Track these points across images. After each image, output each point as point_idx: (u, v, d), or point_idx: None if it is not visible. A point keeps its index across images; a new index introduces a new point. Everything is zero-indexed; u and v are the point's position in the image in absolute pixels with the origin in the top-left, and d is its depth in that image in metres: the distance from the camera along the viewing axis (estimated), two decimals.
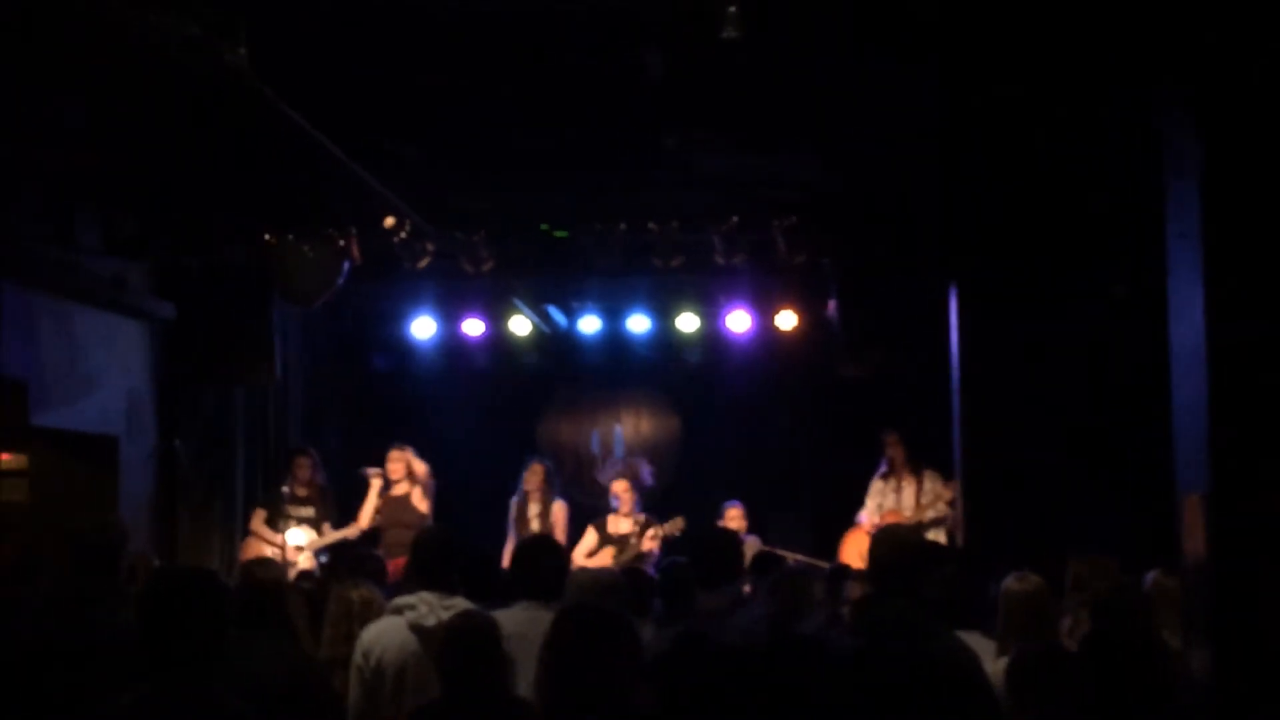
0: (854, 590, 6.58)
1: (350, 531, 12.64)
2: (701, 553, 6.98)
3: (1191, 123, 6.55)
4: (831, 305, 12.46)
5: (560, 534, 12.99)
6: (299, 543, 12.40)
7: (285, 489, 12.56)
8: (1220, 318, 6.30)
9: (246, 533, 12.68)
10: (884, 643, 5.14)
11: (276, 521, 12.46)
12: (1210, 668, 6.38)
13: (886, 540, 6.08)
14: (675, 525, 12.68)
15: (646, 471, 13.34)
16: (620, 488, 13.11)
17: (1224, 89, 6.51)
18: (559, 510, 13.29)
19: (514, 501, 13.37)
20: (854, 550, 12.86)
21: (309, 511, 12.70)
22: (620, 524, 12.93)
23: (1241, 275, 6.31)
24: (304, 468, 12.85)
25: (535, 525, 13.08)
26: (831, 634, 5.57)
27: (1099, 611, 6.59)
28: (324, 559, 12.17)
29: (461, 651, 5.38)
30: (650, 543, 12.53)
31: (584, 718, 4.19)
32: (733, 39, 6.95)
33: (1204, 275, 6.33)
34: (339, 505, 13.30)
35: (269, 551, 11.96)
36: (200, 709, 4.47)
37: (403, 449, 13.30)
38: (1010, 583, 6.74)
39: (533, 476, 13.35)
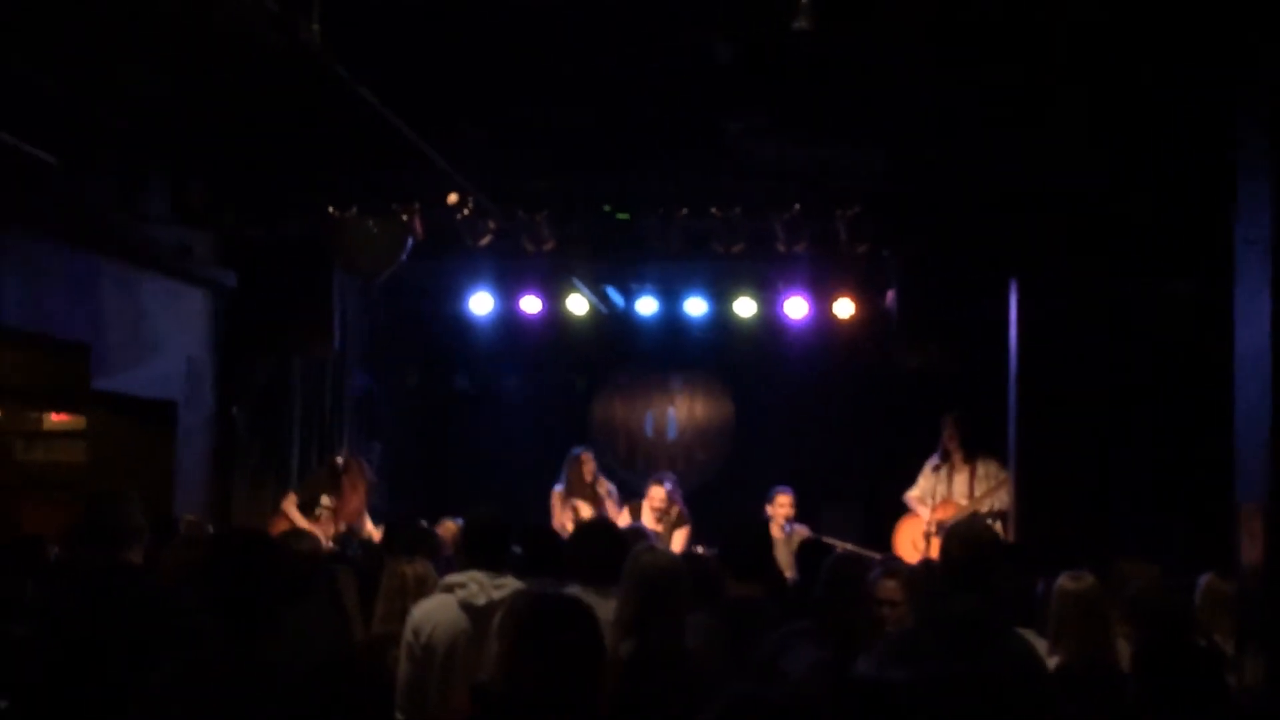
0: (886, 589, 6.52)
1: (375, 532, 12.27)
2: (729, 542, 6.97)
3: (1265, 129, 6.50)
4: (891, 295, 12.43)
5: (614, 515, 13.07)
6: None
7: (326, 476, 12.53)
8: None
9: (276, 509, 12.54)
10: (941, 666, 5.10)
11: (311, 507, 12.31)
12: (1265, 676, 6.35)
13: (959, 536, 6.04)
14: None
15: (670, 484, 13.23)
16: (656, 494, 12.96)
17: None
18: (604, 487, 13.32)
19: (557, 491, 13.37)
20: (906, 539, 12.84)
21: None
22: (656, 521, 12.86)
23: None
24: (357, 475, 12.60)
25: (586, 513, 13.11)
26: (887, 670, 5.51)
27: (1137, 617, 6.53)
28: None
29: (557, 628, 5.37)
30: (679, 546, 12.49)
31: (545, 703, 4.20)
32: (804, 30, 6.93)
33: (1272, 283, 6.28)
34: (386, 481, 13.32)
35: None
36: (255, 674, 4.53)
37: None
38: (1065, 581, 6.70)
39: (586, 465, 13.35)
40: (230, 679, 4.51)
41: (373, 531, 12.10)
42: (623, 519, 12.87)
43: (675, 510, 12.85)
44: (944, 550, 6.04)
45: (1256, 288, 6.47)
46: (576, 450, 13.55)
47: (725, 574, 6.74)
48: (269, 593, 4.63)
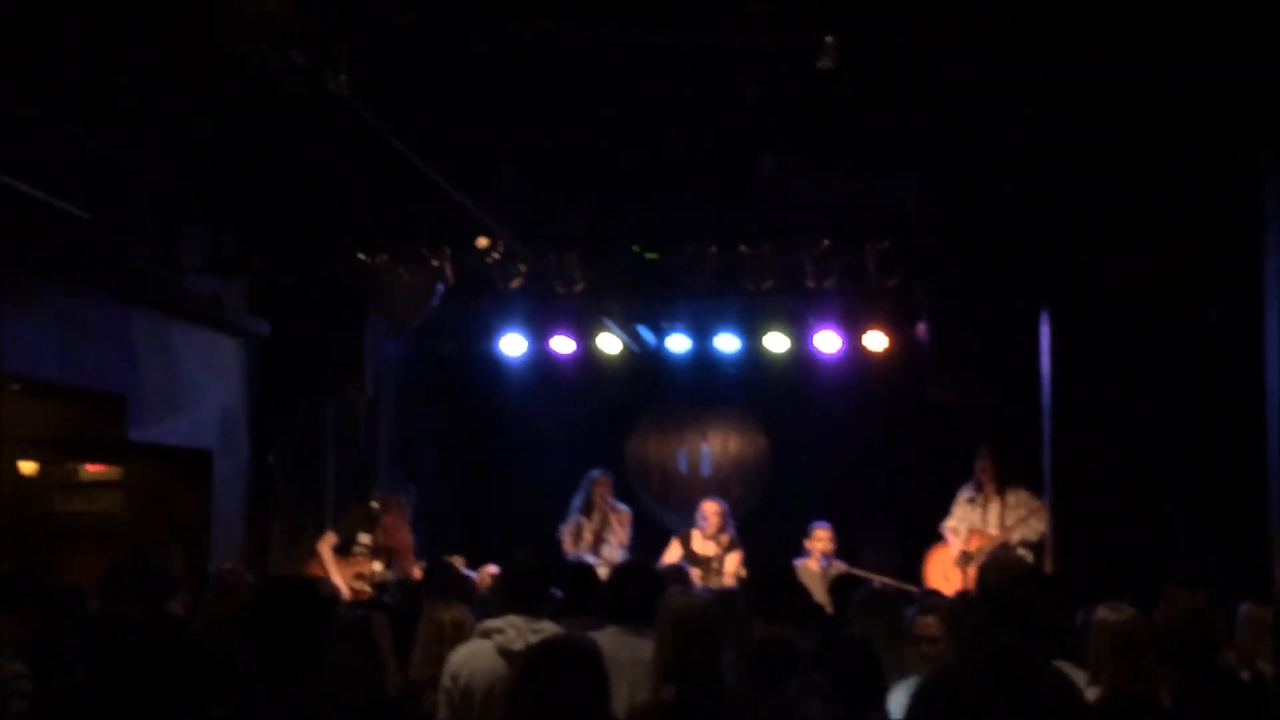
0: (925, 625, 6.50)
1: (415, 571, 12.19)
2: (754, 582, 6.99)
3: None
4: (922, 328, 12.42)
5: (623, 535, 13.21)
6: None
7: (364, 514, 12.49)
8: None
9: (313, 552, 12.52)
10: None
11: (349, 547, 12.31)
12: None
13: (996, 568, 6.01)
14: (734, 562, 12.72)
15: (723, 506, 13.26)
16: (711, 509, 13.04)
17: None
18: (622, 515, 13.36)
19: (571, 522, 13.44)
20: (939, 570, 12.80)
21: (381, 539, 12.52)
22: (706, 545, 12.90)
23: None
24: (396, 513, 12.63)
25: (588, 535, 13.16)
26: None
27: (1162, 648, 6.46)
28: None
29: (562, 670, 5.37)
30: (734, 568, 12.51)
31: None
32: (828, 69, 6.96)
33: None
34: (423, 523, 13.36)
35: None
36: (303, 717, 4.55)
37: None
38: (1104, 613, 6.65)
39: (600, 487, 13.40)
40: None
41: (416, 570, 12.13)
42: (673, 550, 12.90)
43: (727, 536, 12.87)
44: (980, 582, 6.00)
45: None
46: (594, 472, 13.60)
47: (752, 614, 6.76)
48: (312, 640, 4.66)
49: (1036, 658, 5.44)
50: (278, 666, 4.58)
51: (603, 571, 11.69)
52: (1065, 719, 5.01)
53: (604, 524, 13.29)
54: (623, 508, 13.54)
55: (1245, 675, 6.98)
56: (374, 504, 12.45)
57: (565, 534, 13.42)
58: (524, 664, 4.45)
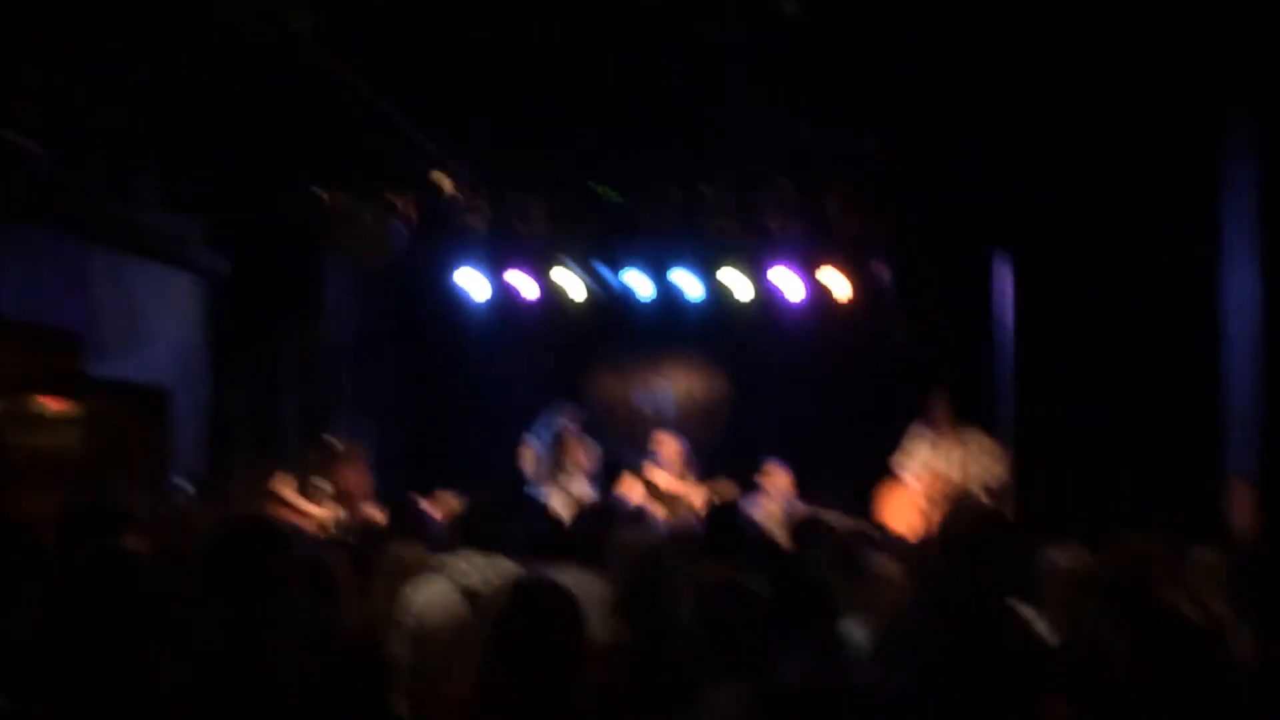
0: (885, 567, 6.52)
1: (376, 514, 12.27)
2: (705, 526, 7.01)
3: (1250, 112, 6.51)
4: (881, 270, 12.45)
5: (587, 465, 13.27)
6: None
7: (322, 459, 12.48)
8: (1274, 308, 6.27)
9: (271, 495, 12.48)
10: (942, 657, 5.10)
11: (304, 490, 12.32)
12: (1257, 647, 6.37)
13: (958, 513, 6.03)
14: (723, 489, 12.66)
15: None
16: (671, 447, 13.04)
17: None
18: (588, 450, 13.39)
19: (542, 446, 13.43)
20: (892, 506, 12.85)
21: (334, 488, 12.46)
22: (665, 479, 12.88)
23: None
24: (353, 469, 12.57)
25: (559, 473, 13.20)
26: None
27: (1101, 593, 6.51)
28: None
29: (541, 611, 5.37)
30: (699, 503, 12.52)
31: (523, 697, 4.22)
32: (794, 15, 6.95)
33: (1258, 261, 6.30)
34: (383, 462, 13.38)
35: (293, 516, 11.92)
36: (256, 659, 4.56)
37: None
38: (1055, 556, 6.72)
39: (569, 422, 13.42)
40: (233, 665, 4.54)
41: (374, 514, 12.13)
42: (628, 484, 12.90)
43: (691, 475, 12.90)
44: (942, 529, 6.04)
45: (1243, 265, 6.49)
46: (562, 405, 13.71)
47: (705, 557, 6.78)
48: (267, 579, 4.67)
49: (995, 602, 5.48)
50: (233, 605, 4.58)
51: (563, 499, 11.80)
52: (1025, 664, 5.04)
53: (567, 453, 13.29)
54: (590, 442, 13.53)
55: (1198, 618, 7.05)
56: (334, 444, 12.42)
57: (524, 456, 13.42)
58: (502, 607, 4.43)
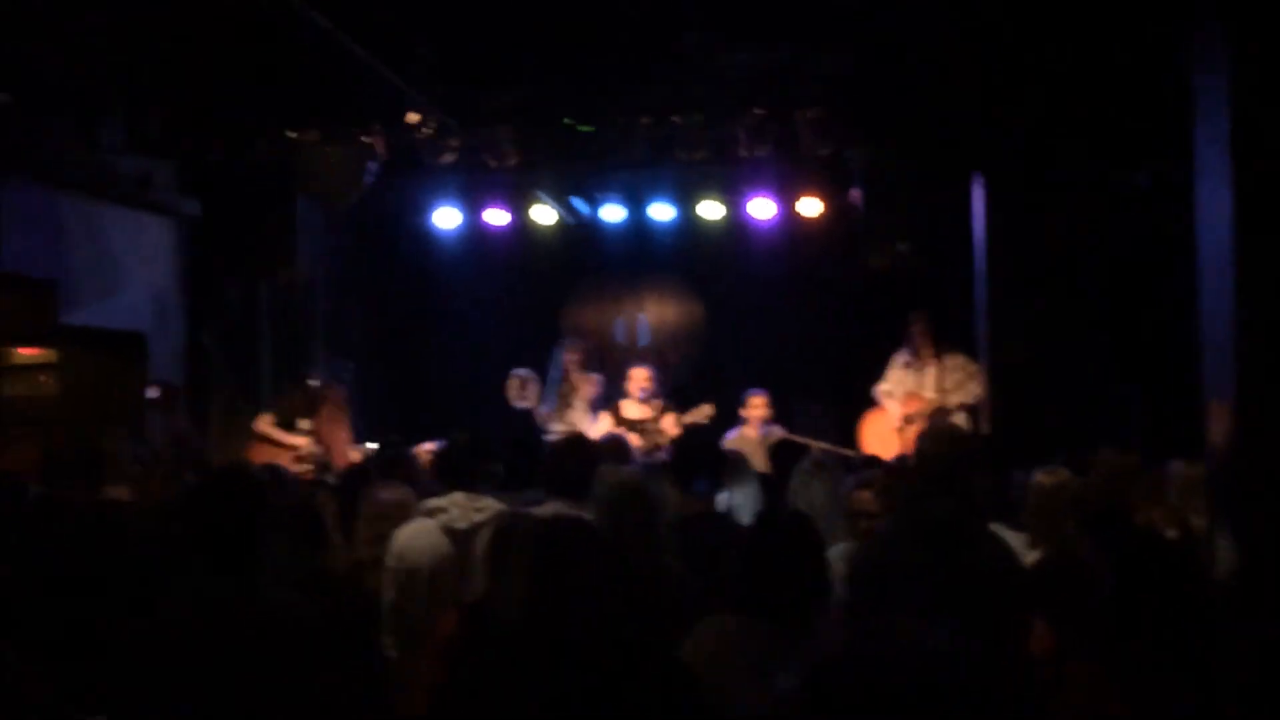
0: (861, 500, 6.54)
1: (353, 454, 12.16)
2: (676, 457, 7.03)
3: (1220, 27, 6.50)
4: (855, 194, 12.43)
5: (589, 395, 13.21)
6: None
7: (302, 399, 12.49)
8: (1249, 229, 6.28)
9: (251, 433, 12.51)
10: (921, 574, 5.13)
11: (288, 429, 12.34)
12: (1235, 568, 6.43)
13: (931, 435, 6.05)
14: (701, 413, 12.68)
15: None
16: (640, 374, 13.05)
17: None
18: (590, 383, 13.39)
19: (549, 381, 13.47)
20: (874, 433, 12.91)
21: (316, 426, 12.46)
22: (636, 409, 12.91)
23: (1271, 185, 6.28)
24: (334, 405, 12.60)
25: (564, 407, 13.23)
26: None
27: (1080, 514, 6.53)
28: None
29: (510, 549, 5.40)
30: (673, 429, 12.53)
31: (565, 629, 4.27)
32: None
33: (1232, 183, 6.31)
34: (359, 400, 13.40)
35: (274, 453, 11.97)
36: (250, 604, 4.59)
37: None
38: (1040, 477, 6.76)
39: (572, 355, 13.42)
40: (219, 612, 4.56)
41: (354, 454, 12.16)
42: (603, 421, 12.92)
43: (659, 401, 12.90)
44: (918, 451, 6.06)
45: (1218, 187, 6.50)
46: (564, 341, 13.70)
47: (676, 489, 6.80)
48: (248, 531, 4.68)
49: (972, 524, 5.52)
50: (215, 558, 4.61)
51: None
52: (1000, 583, 5.08)
53: (572, 390, 13.32)
54: (593, 375, 13.53)
55: (1173, 533, 7.11)
56: (313, 384, 12.43)
57: (510, 387, 13.44)
58: (536, 547, 4.46)
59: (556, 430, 12.76)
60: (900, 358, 12.93)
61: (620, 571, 4.56)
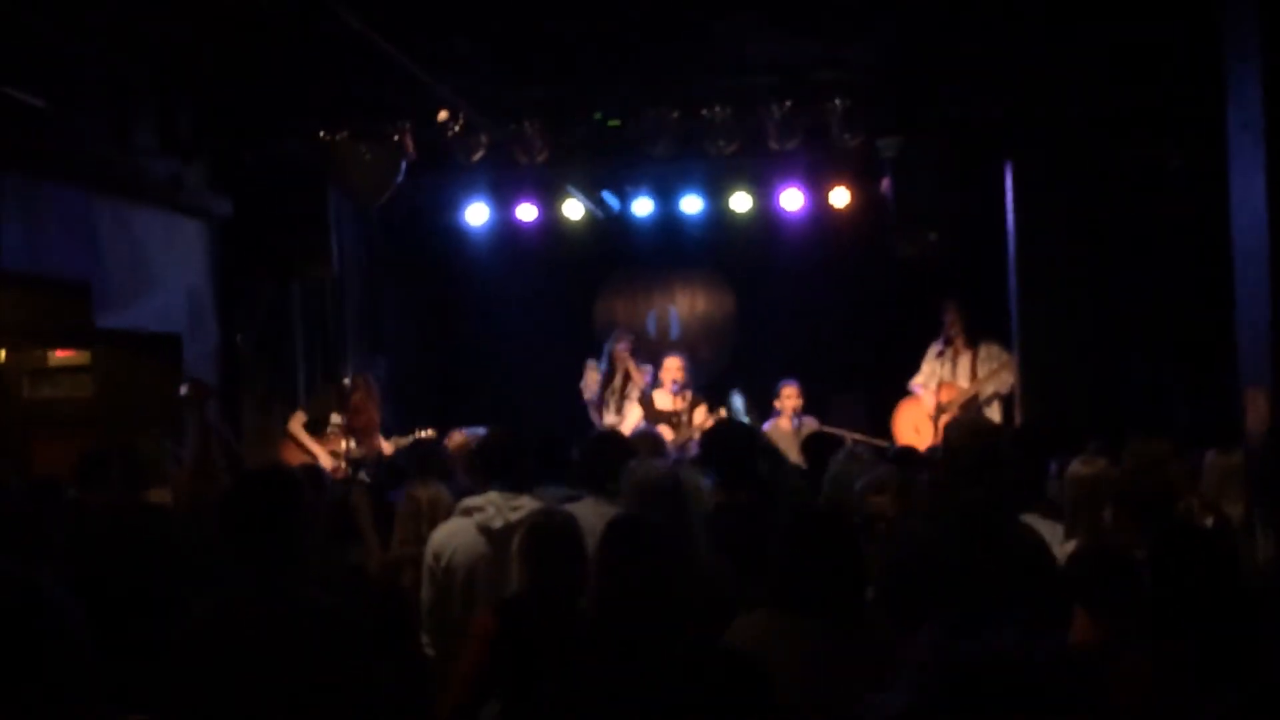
0: (876, 504, 6.49)
1: (386, 447, 12.34)
2: (710, 451, 7.02)
3: (1253, 14, 6.46)
4: (886, 184, 12.41)
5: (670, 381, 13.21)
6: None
7: (335, 394, 12.56)
8: None
9: (285, 433, 12.63)
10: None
11: (321, 425, 12.42)
12: (1273, 556, 6.41)
13: (961, 426, 6.04)
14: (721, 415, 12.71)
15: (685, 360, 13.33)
16: (672, 364, 13.05)
17: None
18: (643, 375, 13.44)
19: (594, 365, 13.55)
20: (908, 423, 12.93)
21: (350, 422, 12.50)
22: (668, 400, 12.93)
23: None
24: (363, 393, 12.53)
25: (617, 400, 13.29)
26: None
27: (1121, 503, 6.48)
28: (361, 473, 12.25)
29: (546, 546, 5.41)
30: (705, 421, 12.53)
31: (637, 624, 4.29)
32: None
33: (1266, 168, 6.27)
34: (393, 396, 13.49)
35: (302, 458, 12.08)
36: (288, 604, 4.61)
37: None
38: (1077, 466, 6.73)
39: (619, 346, 13.47)
40: (257, 612, 4.59)
41: (384, 446, 12.24)
42: (634, 412, 12.95)
43: (689, 392, 12.90)
44: (946, 442, 6.06)
45: (1251, 173, 6.46)
46: (615, 333, 13.84)
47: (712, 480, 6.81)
48: (291, 534, 4.71)
49: (1005, 514, 5.51)
50: (257, 561, 4.63)
51: (625, 428, 11.89)
52: (1034, 573, 5.07)
53: (626, 382, 13.37)
54: (645, 367, 13.58)
55: (1209, 521, 7.09)
56: (345, 381, 12.47)
57: (588, 379, 13.56)
58: (603, 548, 4.52)
59: (608, 423, 12.84)
60: (934, 348, 12.94)
61: (682, 570, 4.60)
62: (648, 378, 13.41)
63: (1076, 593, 5.05)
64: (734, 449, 6.98)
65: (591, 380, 13.61)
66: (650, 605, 4.32)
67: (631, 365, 13.41)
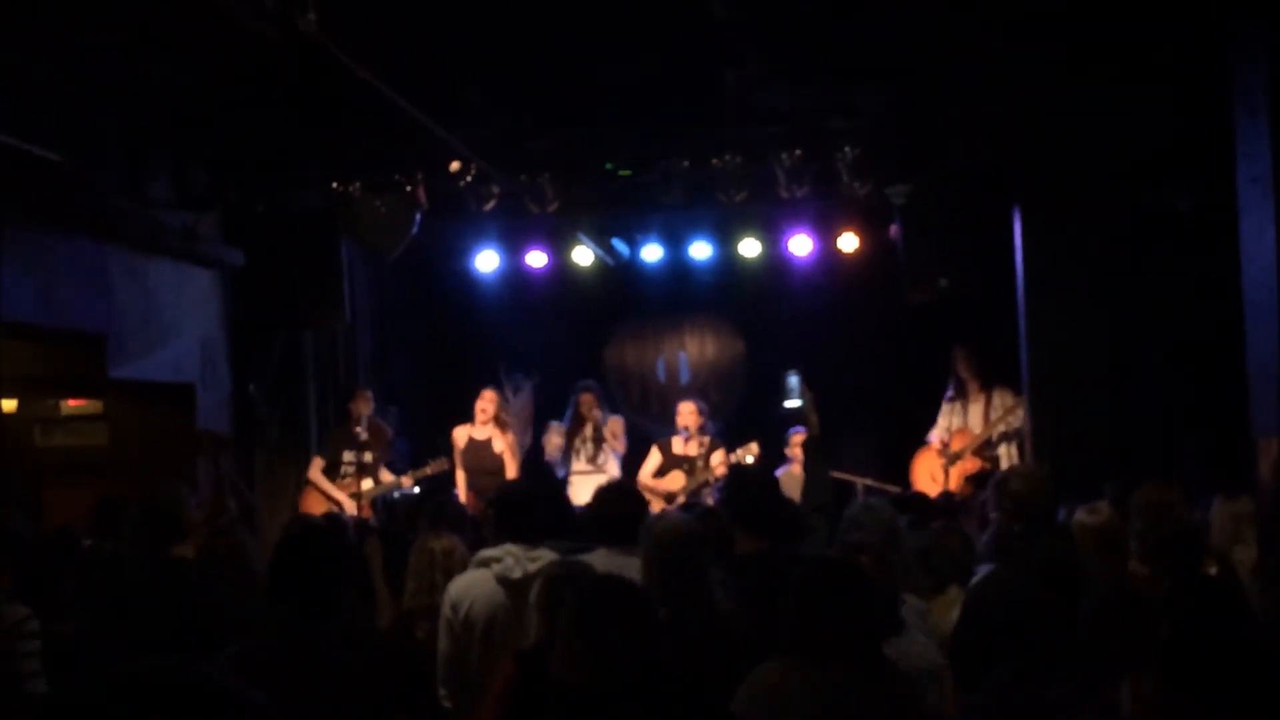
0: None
1: (405, 480, 12.74)
2: (736, 499, 7.01)
3: (1262, 66, 6.51)
4: (895, 230, 12.45)
5: (619, 445, 13.31)
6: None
7: (344, 430, 12.78)
8: None
9: (305, 481, 12.81)
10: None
11: (336, 468, 12.61)
12: None
13: (1024, 479, 6.06)
14: (749, 450, 12.69)
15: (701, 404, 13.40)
16: (687, 409, 13.09)
17: None
18: (616, 424, 13.48)
19: (558, 428, 13.63)
20: (925, 472, 12.92)
21: (366, 456, 12.73)
22: (688, 446, 12.95)
23: None
24: (364, 402, 12.92)
25: (589, 449, 13.33)
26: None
27: (1146, 551, 6.49)
28: (382, 507, 12.43)
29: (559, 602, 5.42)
30: (720, 468, 12.55)
31: (612, 686, 4.30)
32: None
33: (1276, 221, 6.31)
34: (405, 443, 13.57)
35: (326, 505, 12.27)
36: (315, 660, 4.64)
37: (493, 391, 13.46)
38: (1082, 515, 6.76)
39: (585, 402, 13.52)
40: (289, 668, 4.61)
41: (404, 480, 12.60)
42: (653, 457, 12.98)
43: (707, 437, 12.92)
44: (1007, 493, 6.06)
45: (1261, 226, 6.50)
46: (580, 383, 13.79)
47: (738, 531, 6.81)
48: (334, 589, 4.75)
49: (1076, 560, 5.55)
50: (296, 613, 4.66)
51: (599, 480, 11.95)
52: (1115, 623, 5.07)
53: (597, 435, 13.40)
54: (616, 417, 13.63)
55: (1213, 569, 7.10)
56: (354, 422, 12.65)
57: (545, 442, 13.65)
58: (575, 608, 4.52)
59: (576, 470, 12.95)
60: (946, 396, 12.98)
61: (662, 627, 4.60)
62: (621, 433, 13.50)
63: (1088, 632, 5.09)
64: (756, 496, 6.98)
65: (554, 443, 13.67)
66: (623, 666, 4.33)
67: (598, 414, 13.48)
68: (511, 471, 12.91)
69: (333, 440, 12.90)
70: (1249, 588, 6.77)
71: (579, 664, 4.37)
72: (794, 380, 12.88)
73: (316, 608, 4.70)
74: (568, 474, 13.33)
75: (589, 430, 13.47)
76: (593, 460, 13.33)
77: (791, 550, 6.84)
